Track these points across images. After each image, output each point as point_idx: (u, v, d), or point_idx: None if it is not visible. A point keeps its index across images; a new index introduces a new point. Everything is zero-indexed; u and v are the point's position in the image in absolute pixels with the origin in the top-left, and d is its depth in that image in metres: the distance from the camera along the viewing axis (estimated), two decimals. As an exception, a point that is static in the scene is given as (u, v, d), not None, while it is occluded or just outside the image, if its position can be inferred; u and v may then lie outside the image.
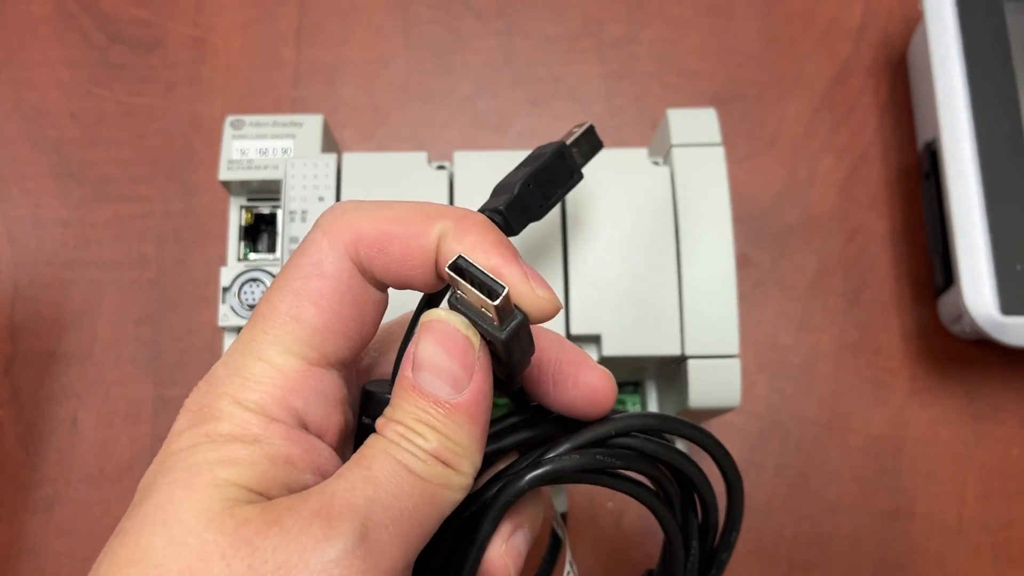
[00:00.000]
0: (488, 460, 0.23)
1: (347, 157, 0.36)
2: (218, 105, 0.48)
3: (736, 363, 0.34)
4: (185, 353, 0.45)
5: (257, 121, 0.37)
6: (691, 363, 0.34)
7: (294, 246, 0.34)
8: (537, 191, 0.26)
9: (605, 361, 0.35)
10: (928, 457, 0.44)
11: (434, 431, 0.20)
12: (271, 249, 0.38)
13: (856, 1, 0.50)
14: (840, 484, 0.44)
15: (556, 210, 0.35)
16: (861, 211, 0.47)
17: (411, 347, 0.21)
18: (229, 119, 0.37)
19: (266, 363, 0.21)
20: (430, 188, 0.35)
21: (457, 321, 0.21)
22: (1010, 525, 0.43)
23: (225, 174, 0.36)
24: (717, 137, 0.36)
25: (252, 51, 0.49)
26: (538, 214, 0.26)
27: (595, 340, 0.35)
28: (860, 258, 0.46)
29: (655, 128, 0.48)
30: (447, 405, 0.20)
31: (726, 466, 0.26)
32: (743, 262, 0.46)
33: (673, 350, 0.34)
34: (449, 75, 0.49)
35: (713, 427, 0.44)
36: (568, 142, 0.27)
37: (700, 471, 0.26)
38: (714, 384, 0.34)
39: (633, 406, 0.41)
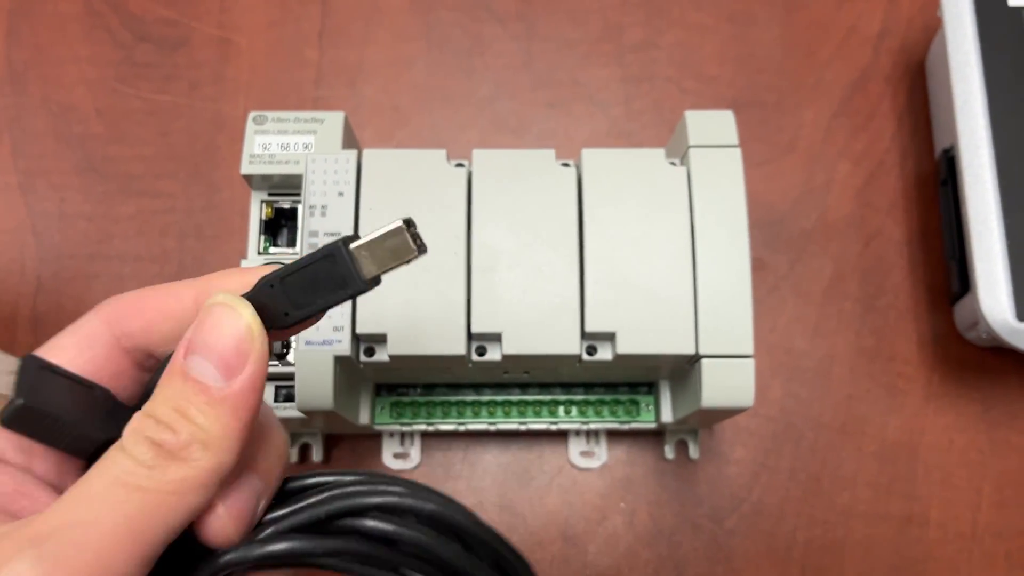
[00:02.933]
0: None
1: (367, 153, 0.36)
2: (241, 104, 0.49)
3: (750, 363, 0.34)
4: (204, 347, 0.45)
5: (279, 117, 0.37)
6: (705, 363, 0.34)
7: (314, 240, 0.35)
8: (283, 294, 0.21)
9: (620, 359, 0.35)
10: (943, 464, 0.44)
11: (189, 422, 0.19)
12: (291, 244, 0.38)
13: (876, 9, 0.50)
14: (854, 489, 0.44)
15: (573, 207, 0.36)
16: (878, 217, 0.47)
17: (188, 331, 0.20)
18: (252, 114, 0.37)
19: None
20: (448, 185, 0.36)
21: (238, 303, 0.20)
22: (1025, 534, 0.43)
23: (247, 168, 0.37)
24: (734, 139, 0.37)
25: (275, 51, 0.49)
26: (283, 321, 0.21)
27: (610, 338, 0.35)
28: (876, 264, 0.46)
29: (673, 132, 0.48)
30: (213, 393, 0.20)
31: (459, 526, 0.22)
32: (759, 266, 0.46)
33: (687, 349, 0.34)
34: (470, 78, 0.49)
35: (726, 429, 0.44)
36: (351, 243, 0.21)
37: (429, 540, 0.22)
38: (728, 384, 0.35)
39: (647, 408, 0.41)
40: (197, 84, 0.49)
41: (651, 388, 0.42)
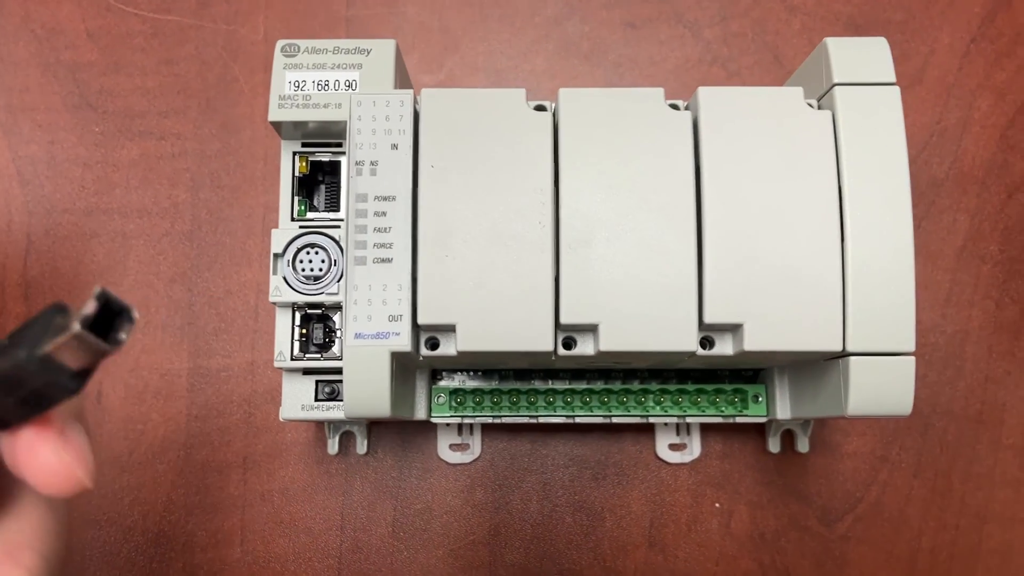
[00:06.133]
0: None
1: (426, 94, 0.29)
2: (260, 26, 0.41)
3: (911, 362, 0.28)
4: (225, 318, 0.38)
5: (314, 47, 0.30)
6: (854, 361, 0.28)
7: (362, 205, 0.28)
8: None
9: (744, 355, 0.28)
10: (1095, 459, 0.37)
11: None
12: (332, 207, 0.31)
13: (1022, -94, 0.41)
14: (990, 488, 0.37)
15: (689, 164, 0.28)
16: (1024, 163, 0.39)
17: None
18: (280, 43, 0.30)
19: None
20: (530, 135, 0.28)
21: None
22: None
23: (275, 114, 0.29)
24: (891, 74, 0.29)
25: (299, -40, 0.41)
26: None
27: (733, 330, 0.28)
28: (1022, 220, 0.39)
29: (778, 60, 0.40)
30: None
31: None
32: (881, 223, 0.39)
33: (832, 345, 0.28)
34: (532, -8, 0.41)
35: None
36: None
37: None
38: (881, 388, 0.28)
39: (756, 400, 0.34)
40: (207, 1, 0.41)
41: (757, 374, 0.35)
